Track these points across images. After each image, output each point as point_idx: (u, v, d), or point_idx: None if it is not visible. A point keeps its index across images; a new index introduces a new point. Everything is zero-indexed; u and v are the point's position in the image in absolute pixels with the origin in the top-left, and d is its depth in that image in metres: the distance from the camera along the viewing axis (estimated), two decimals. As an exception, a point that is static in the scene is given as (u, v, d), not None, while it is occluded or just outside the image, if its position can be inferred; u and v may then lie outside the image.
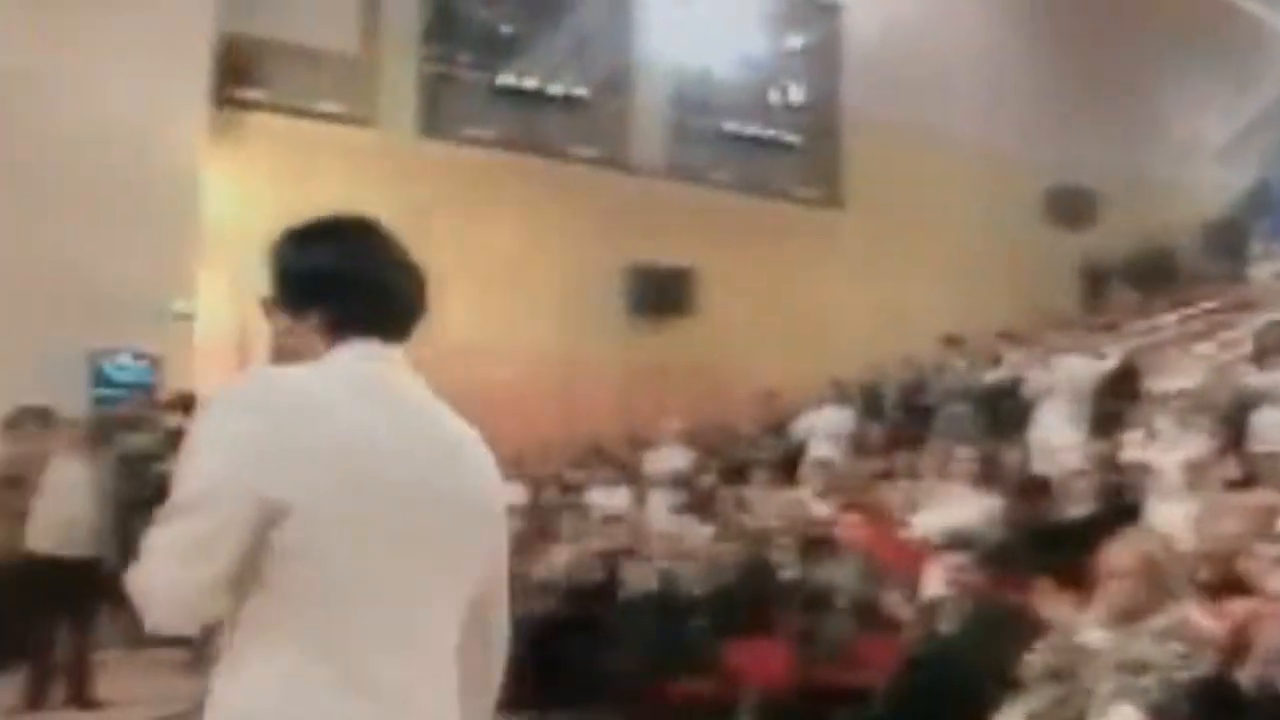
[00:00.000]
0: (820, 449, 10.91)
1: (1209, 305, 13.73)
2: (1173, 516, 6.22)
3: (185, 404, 11.20)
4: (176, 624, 1.91)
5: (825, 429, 11.48)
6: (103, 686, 7.72)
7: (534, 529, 9.99)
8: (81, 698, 7.54)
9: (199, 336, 11.86)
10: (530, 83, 14.44)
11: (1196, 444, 7.66)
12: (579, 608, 8.21)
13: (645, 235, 14.14)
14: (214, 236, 12.07)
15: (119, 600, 7.44)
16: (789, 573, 7.66)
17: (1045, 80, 16.43)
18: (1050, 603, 5.30)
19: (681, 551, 8.49)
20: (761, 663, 6.73)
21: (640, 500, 10.84)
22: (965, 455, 8.70)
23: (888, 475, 9.85)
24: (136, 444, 9.87)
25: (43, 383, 10.04)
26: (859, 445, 11.26)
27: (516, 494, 10.81)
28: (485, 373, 13.26)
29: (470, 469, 2.06)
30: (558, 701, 7.21)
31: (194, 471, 1.86)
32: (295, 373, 1.97)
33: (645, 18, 14.92)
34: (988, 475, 8.58)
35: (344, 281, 2.06)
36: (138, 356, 11.48)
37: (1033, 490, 8.25)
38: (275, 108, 13.07)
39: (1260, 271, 15.41)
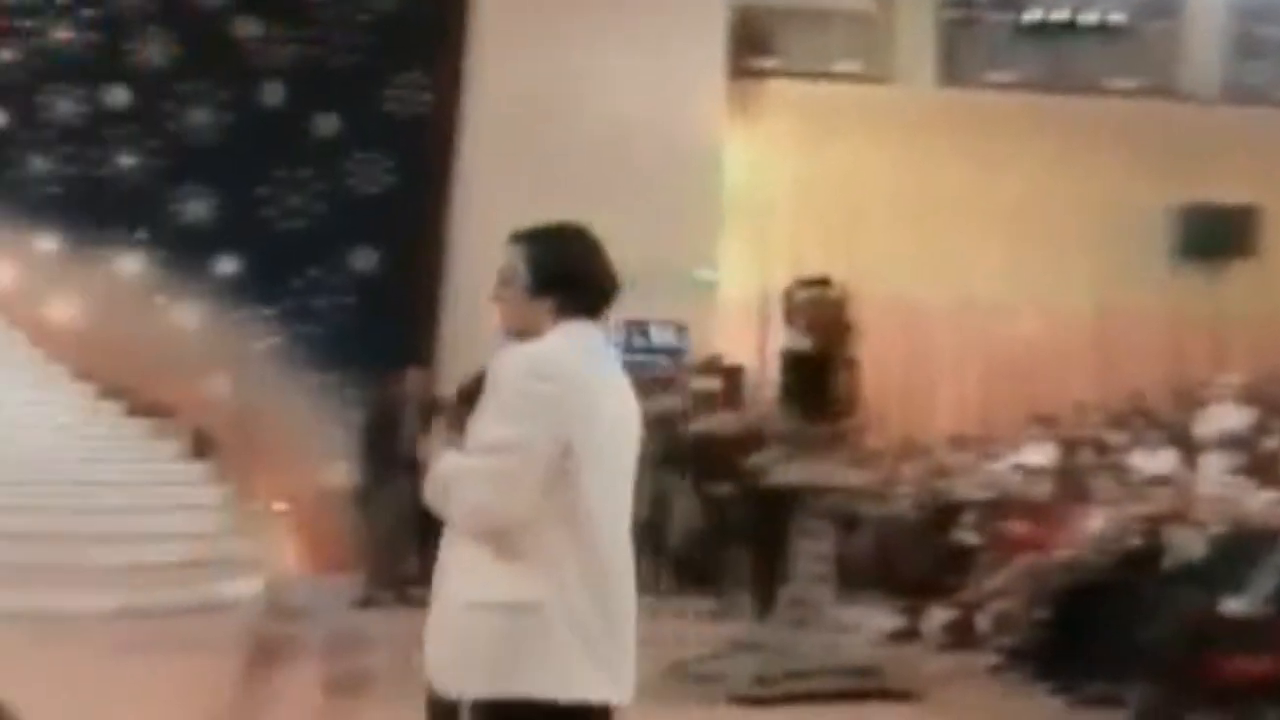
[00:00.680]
0: None
1: None
2: None
3: (713, 368, 11.62)
4: (474, 529, 2.67)
5: None
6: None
7: (1066, 492, 9.31)
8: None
9: (722, 302, 12.24)
10: (1060, 16, 13.48)
11: None
12: (1114, 574, 7.53)
13: (1195, 170, 12.75)
14: (733, 206, 12.40)
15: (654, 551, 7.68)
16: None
17: None
18: None
19: (1236, 517, 7.53)
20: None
21: (1188, 463, 9.77)
22: None
23: None
24: (668, 405, 10.32)
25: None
26: None
27: (1046, 455, 10.19)
28: (1014, 330, 12.65)
29: (636, 412, 2.85)
30: (1087, 672, 6.66)
31: (509, 422, 2.62)
32: (560, 347, 2.72)
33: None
34: None
35: (574, 279, 2.80)
36: (667, 324, 12.01)
37: None
38: (790, 74, 13.16)
39: None
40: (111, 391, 11.32)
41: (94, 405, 10.96)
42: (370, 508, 9.79)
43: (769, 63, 13.15)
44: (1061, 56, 13.52)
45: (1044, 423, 10.94)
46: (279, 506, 11.16)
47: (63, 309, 12.20)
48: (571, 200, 11.44)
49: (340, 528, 10.77)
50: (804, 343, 6.93)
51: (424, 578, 8.92)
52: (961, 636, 8.25)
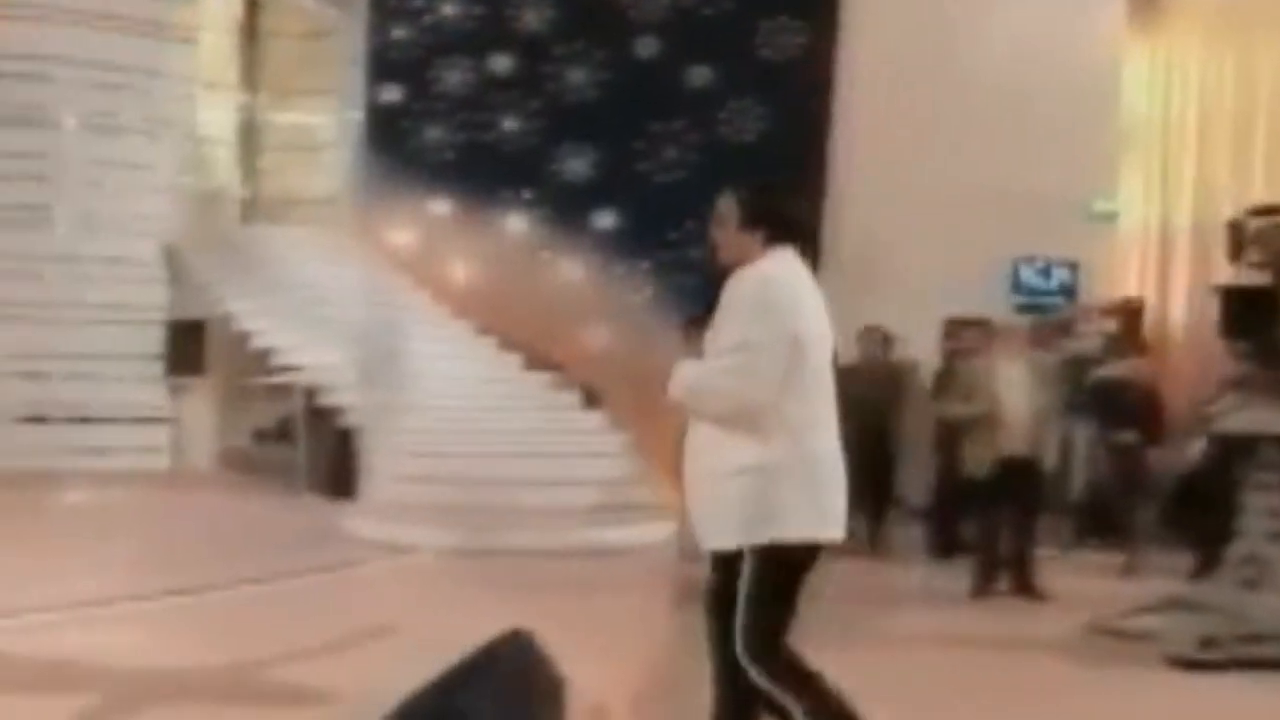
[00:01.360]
0: None
1: None
2: None
3: (1127, 310, 10.81)
4: (724, 414, 3.54)
5: None
6: (1042, 582, 7.75)
7: None
8: (1025, 589, 7.60)
9: (1119, 235, 11.43)
10: None
11: None
12: None
13: None
14: (1132, 130, 11.52)
15: (1055, 502, 7.22)
16: None
17: None
18: None
19: None
20: None
21: None
22: None
23: None
24: (1076, 348, 9.74)
25: (967, 291, 10.38)
26: None
27: None
28: None
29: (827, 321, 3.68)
30: None
31: (749, 326, 3.48)
32: (778, 267, 3.63)
33: None
34: None
35: (778, 215, 3.74)
36: (1058, 262, 11.33)
37: None
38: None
39: None
40: (510, 345, 11.85)
41: (498, 358, 11.51)
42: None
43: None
44: None
45: None
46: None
47: (459, 269, 12.88)
48: (960, 136, 11.09)
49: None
50: (1258, 278, 6.26)
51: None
52: None
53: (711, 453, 3.60)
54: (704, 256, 12.70)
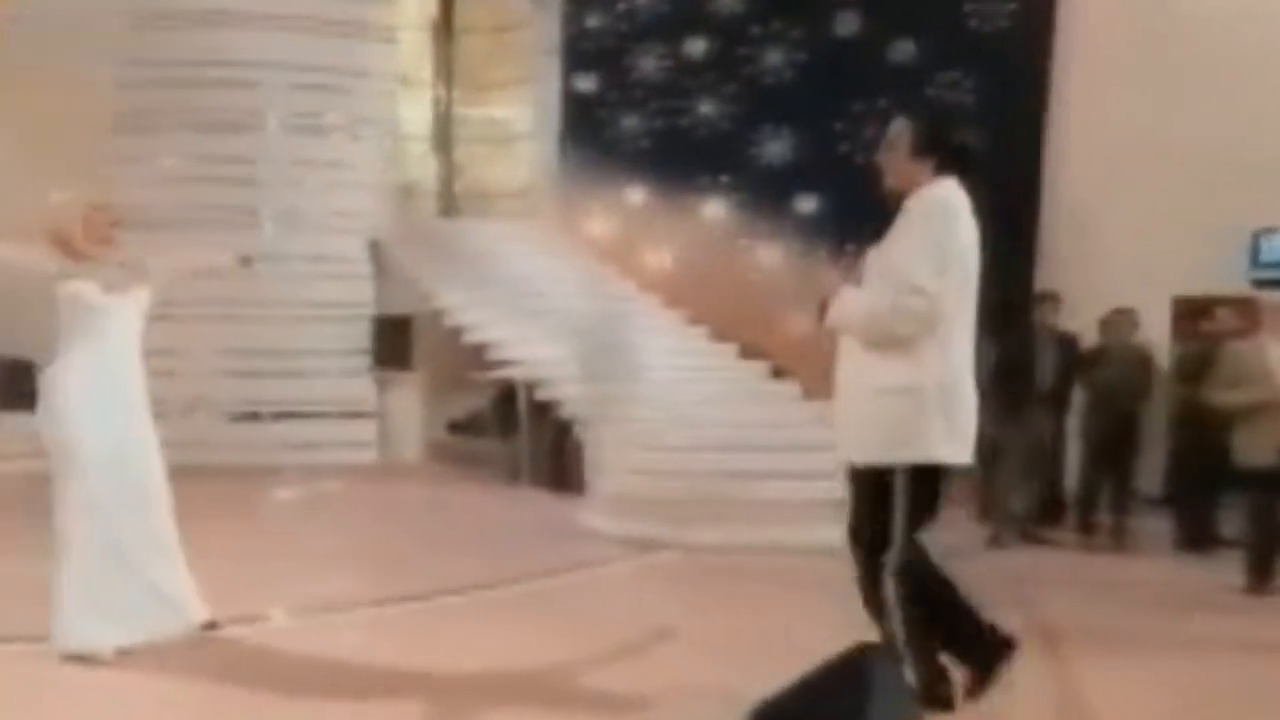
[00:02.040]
0: None
1: None
2: None
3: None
4: (881, 342, 3.78)
5: None
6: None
7: None
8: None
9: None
10: None
11: None
12: None
13: None
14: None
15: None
16: None
17: None
18: None
19: None
20: None
21: None
22: None
23: None
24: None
25: (1198, 266, 9.88)
26: None
27: None
28: None
29: None
30: None
31: (929, 270, 3.70)
32: (957, 198, 3.86)
33: None
34: None
35: (948, 144, 3.90)
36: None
37: None
38: None
39: None
40: (720, 334, 11.62)
41: (713, 349, 11.29)
42: (1000, 446, 9.31)
43: None
44: None
45: None
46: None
47: (659, 257, 12.71)
48: (1188, 100, 10.42)
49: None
50: None
51: (1046, 516, 8.31)
52: None
53: (864, 371, 3.78)
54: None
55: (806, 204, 12.49)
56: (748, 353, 11.56)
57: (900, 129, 3.92)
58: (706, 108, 12.81)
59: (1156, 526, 8.65)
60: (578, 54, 13.15)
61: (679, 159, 12.69)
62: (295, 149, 12.44)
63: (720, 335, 11.74)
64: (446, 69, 14.11)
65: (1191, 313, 9.72)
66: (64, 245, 4.83)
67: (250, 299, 12.13)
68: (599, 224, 12.90)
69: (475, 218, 13.67)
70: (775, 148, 12.60)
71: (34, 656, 4.69)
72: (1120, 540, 8.63)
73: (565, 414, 9.93)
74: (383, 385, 12.47)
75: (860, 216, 12.22)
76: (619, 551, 7.32)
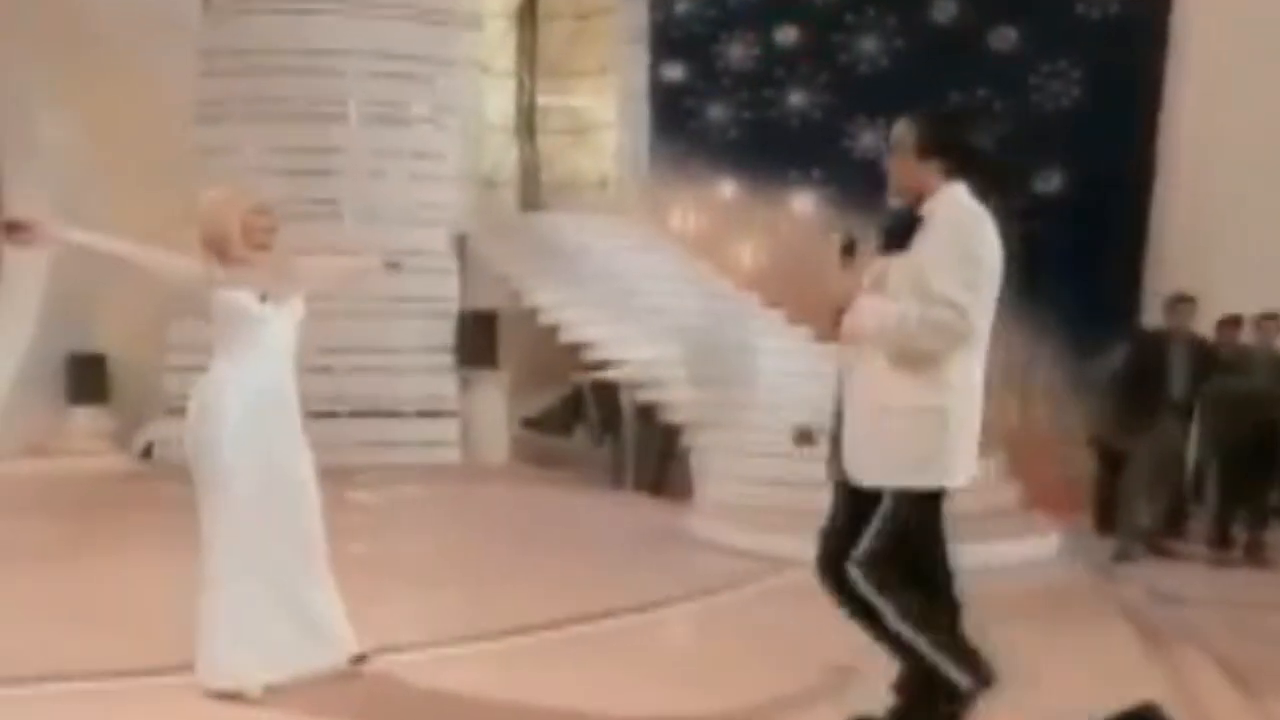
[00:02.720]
0: None
1: None
2: None
3: None
4: (903, 357, 3.54)
5: None
6: None
7: None
8: None
9: None
10: None
11: None
12: None
13: None
14: None
15: None
16: None
17: None
18: None
19: None
20: None
21: None
22: None
23: None
24: None
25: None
26: None
27: None
28: None
29: None
30: None
31: (963, 285, 3.48)
32: (977, 205, 3.65)
33: None
34: None
35: (956, 146, 3.67)
36: None
37: None
38: None
39: None
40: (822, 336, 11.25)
41: (816, 350, 10.88)
42: (1127, 454, 8.92)
43: None
44: None
45: None
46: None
47: (749, 253, 12.35)
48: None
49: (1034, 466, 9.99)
50: None
51: (1171, 528, 7.93)
52: None
53: (882, 387, 3.55)
54: (1011, 233, 11.85)
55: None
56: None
57: (904, 130, 3.72)
58: (797, 98, 12.43)
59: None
60: (665, 42, 12.77)
61: (769, 151, 12.32)
62: (378, 139, 12.15)
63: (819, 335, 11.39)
64: (530, 57, 13.75)
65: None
66: (218, 249, 4.48)
67: (329, 295, 11.85)
68: (686, 218, 12.55)
69: (558, 210, 13.32)
70: (869, 140, 12.19)
71: (177, 690, 4.41)
72: (1257, 555, 8.26)
73: (669, 416, 9.58)
74: (466, 383, 12.17)
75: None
76: (745, 568, 6.89)
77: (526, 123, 13.85)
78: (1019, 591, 6.65)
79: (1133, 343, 9.08)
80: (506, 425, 12.17)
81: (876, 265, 3.74)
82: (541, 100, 13.87)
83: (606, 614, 5.77)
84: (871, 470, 3.59)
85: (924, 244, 3.55)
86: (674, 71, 12.74)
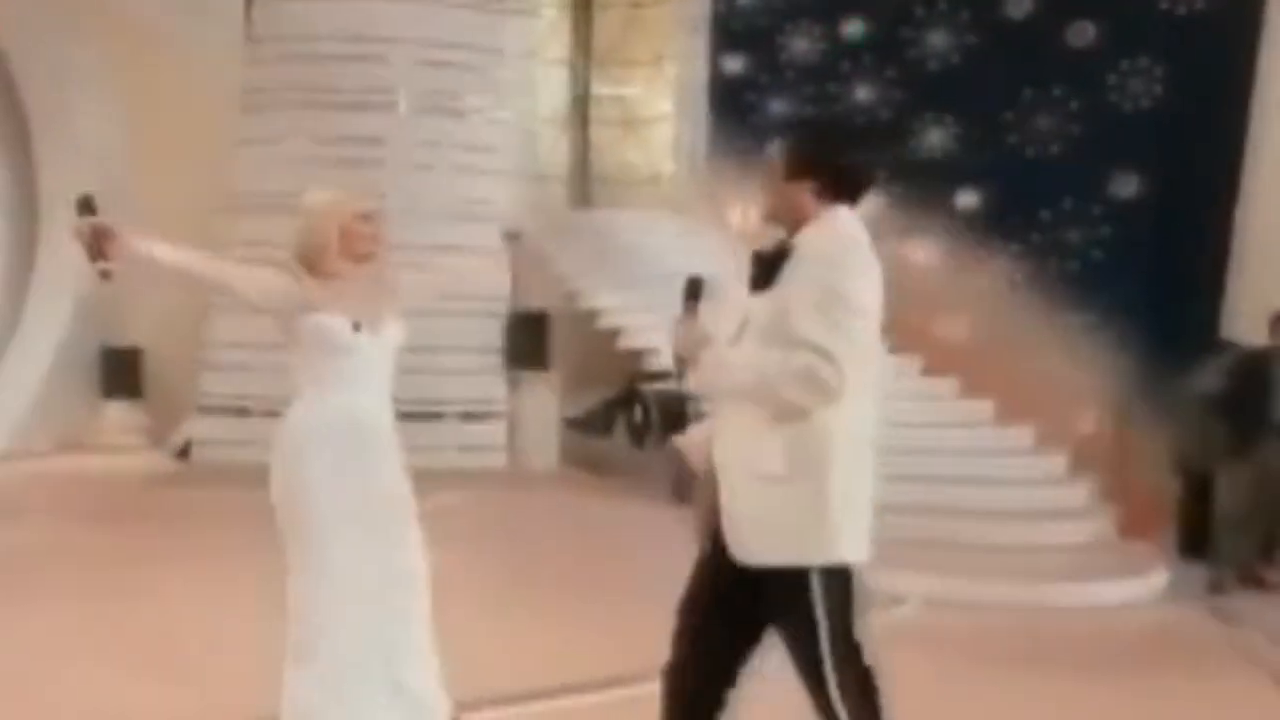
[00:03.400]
0: None
1: None
2: None
3: None
4: (774, 414, 2.95)
5: None
6: None
7: None
8: None
9: None
10: None
11: None
12: None
13: None
14: None
15: None
16: None
17: None
18: None
19: None
20: None
21: None
22: None
23: None
24: None
25: None
26: None
27: None
28: None
29: None
30: None
31: (837, 324, 2.92)
32: (860, 235, 3.11)
33: None
34: None
35: (839, 168, 3.10)
36: None
37: None
38: None
39: None
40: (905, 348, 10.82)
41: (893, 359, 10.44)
42: (1221, 480, 8.46)
43: None
44: None
45: None
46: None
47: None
48: None
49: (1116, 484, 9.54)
50: None
51: (1264, 556, 7.46)
52: None
53: (756, 449, 2.99)
54: (1083, 239, 11.30)
55: (969, 198, 11.62)
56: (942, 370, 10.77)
57: (774, 150, 3.19)
58: (863, 93, 11.95)
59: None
60: (726, 32, 12.30)
61: (832, 147, 11.85)
62: (427, 130, 11.71)
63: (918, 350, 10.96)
64: (584, 47, 13.28)
65: None
66: (311, 262, 3.92)
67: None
68: (745, 216, 12.09)
69: (611, 206, 12.87)
70: (937, 137, 11.73)
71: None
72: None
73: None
74: (515, 385, 11.74)
75: (1027, 214, 11.50)
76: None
77: (580, 115, 13.38)
78: (1130, 634, 6.23)
79: (1231, 363, 8.58)
80: (558, 429, 11.75)
81: (742, 306, 3.17)
82: (597, 91, 13.40)
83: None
84: (756, 549, 3.02)
85: (789, 280, 3.00)
86: (735, 63, 12.28)
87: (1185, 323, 10.27)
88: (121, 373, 12.69)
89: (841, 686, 3.02)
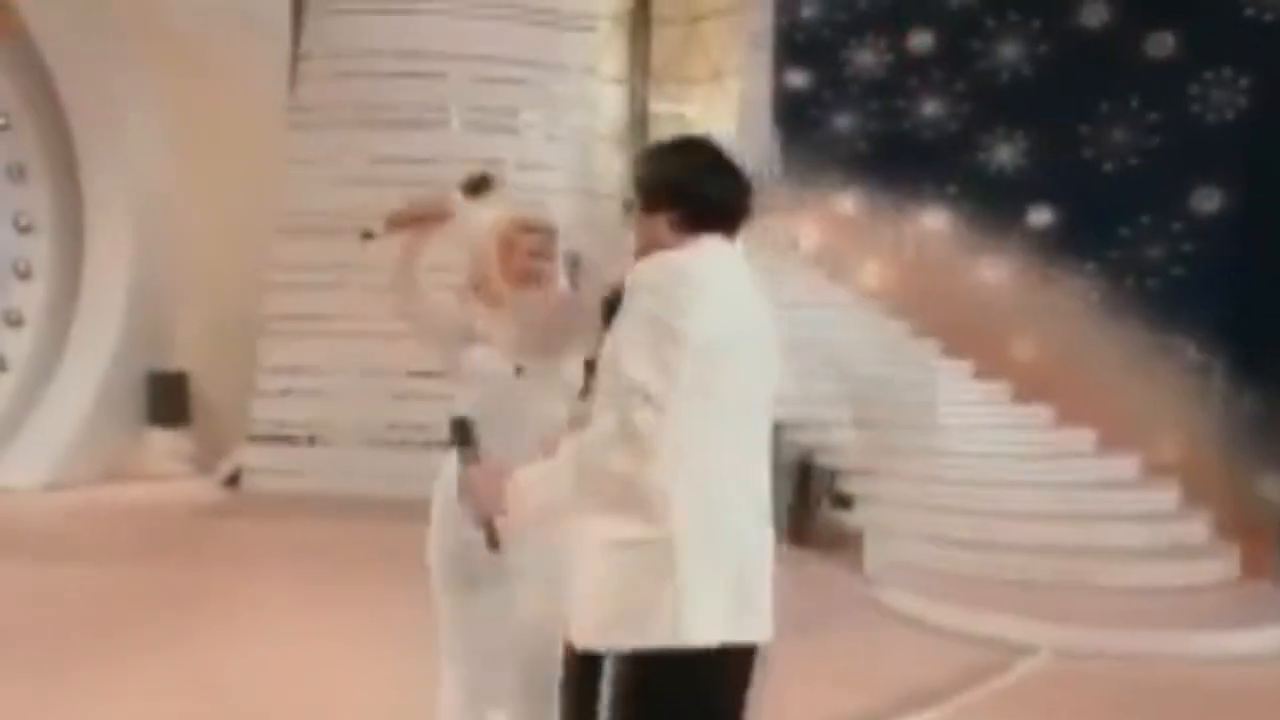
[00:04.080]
0: None
1: None
2: None
3: None
4: (637, 457, 2.41)
5: None
6: None
7: None
8: None
9: None
10: None
11: None
12: None
13: None
14: None
15: None
16: None
17: None
18: None
19: None
20: None
21: None
22: None
23: None
24: None
25: None
26: None
27: None
28: None
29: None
30: None
31: (651, 359, 2.42)
32: (703, 256, 2.58)
33: None
34: None
35: (681, 191, 2.63)
36: None
37: None
38: None
39: None
40: (953, 353, 10.43)
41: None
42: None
43: None
44: None
45: None
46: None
47: (875, 267, 11.53)
48: None
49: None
50: None
51: None
52: None
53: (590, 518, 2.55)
54: (1164, 256, 10.85)
55: (1041, 215, 11.23)
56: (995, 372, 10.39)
57: (630, 180, 2.80)
58: (931, 108, 11.59)
59: None
60: (790, 47, 11.96)
61: (899, 163, 11.51)
62: (482, 148, 11.37)
63: (966, 354, 10.59)
64: (642, 62, 12.94)
65: None
66: (479, 285, 3.45)
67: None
68: (810, 234, 11.74)
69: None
70: (1007, 153, 11.35)
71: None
72: None
73: (822, 459, 8.74)
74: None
75: (1103, 231, 11.07)
76: (965, 656, 6.02)
77: (638, 132, 13.02)
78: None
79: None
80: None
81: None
82: (655, 108, 13.05)
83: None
84: (581, 628, 2.56)
85: (621, 317, 2.57)
86: (798, 78, 11.94)
87: (1270, 341, 9.88)
88: (168, 398, 12.35)
89: None
